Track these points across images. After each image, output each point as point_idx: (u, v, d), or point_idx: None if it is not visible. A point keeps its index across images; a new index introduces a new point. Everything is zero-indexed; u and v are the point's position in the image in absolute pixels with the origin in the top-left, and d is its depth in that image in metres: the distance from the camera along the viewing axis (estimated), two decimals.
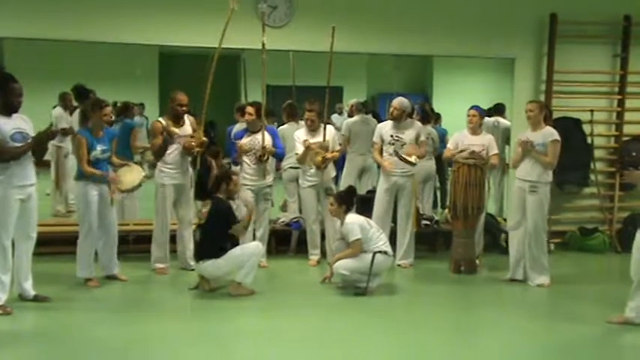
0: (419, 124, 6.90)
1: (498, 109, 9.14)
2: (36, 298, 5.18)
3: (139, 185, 5.87)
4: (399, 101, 6.65)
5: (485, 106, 10.62)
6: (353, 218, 5.74)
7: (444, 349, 4.52)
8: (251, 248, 5.60)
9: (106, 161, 5.71)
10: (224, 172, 5.92)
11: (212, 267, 5.48)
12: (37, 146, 5.04)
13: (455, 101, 13.51)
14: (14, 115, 4.91)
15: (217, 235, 5.51)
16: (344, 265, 5.63)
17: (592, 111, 7.72)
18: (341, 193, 6.03)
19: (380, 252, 5.64)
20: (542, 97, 7.56)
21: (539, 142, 5.89)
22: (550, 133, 5.91)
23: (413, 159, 6.45)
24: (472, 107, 6.68)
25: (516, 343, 4.69)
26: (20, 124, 4.93)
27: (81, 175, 5.63)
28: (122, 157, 6.23)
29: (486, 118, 9.82)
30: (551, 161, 5.90)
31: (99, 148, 5.60)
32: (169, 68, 14.82)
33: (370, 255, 5.60)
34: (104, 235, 5.78)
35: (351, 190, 6.13)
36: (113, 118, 6.06)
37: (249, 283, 5.49)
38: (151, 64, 14.81)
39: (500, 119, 8.81)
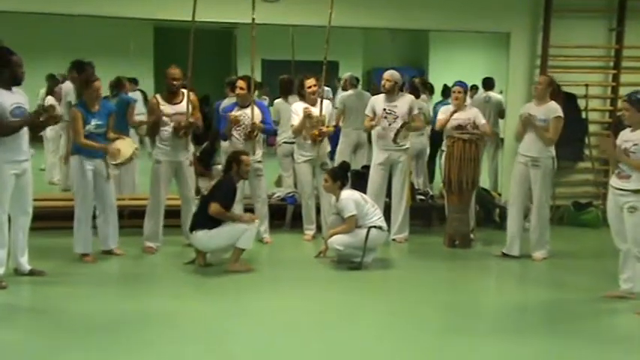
0: (411, 96, 6.89)
1: (488, 84, 9.14)
2: (31, 273, 5.22)
3: (131, 159, 5.87)
4: (390, 73, 6.64)
5: (477, 81, 10.64)
6: (348, 194, 5.76)
7: (436, 322, 4.58)
8: (243, 225, 5.53)
9: (101, 136, 5.69)
10: (234, 152, 5.88)
11: (204, 237, 5.48)
12: (37, 126, 5.07)
13: (451, 75, 13.52)
14: (14, 89, 4.89)
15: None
16: (338, 241, 5.67)
17: (587, 85, 7.71)
18: (335, 169, 6.04)
19: (374, 227, 5.68)
20: (536, 72, 7.56)
21: (542, 118, 5.90)
22: (554, 109, 5.92)
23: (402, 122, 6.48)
24: (456, 83, 6.72)
25: (510, 316, 4.75)
26: (19, 99, 4.92)
27: (76, 150, 5.63)
28: (118, 132, 6.22)
29: (478, 93, 9.87)
30: (552, 137, 5.91)
31: (93, 122, 5.59)
32: (165, 43, 14.72)
33: (365, 230, 5.64)
34: (102, 210, 5.80)
35: (344, 165, 6.15)
36: (102, 93, 6.00)
37: (248, 249, 5.53)
38: (145, 38, 14.70)
39: (492, 94, 8.82)
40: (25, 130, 4.97)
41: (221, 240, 5.49)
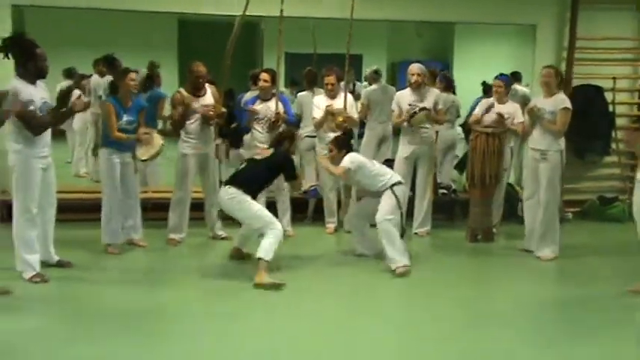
0: (437, 91, 6.85)
1: (515, 77, 9.02)
2: (59, 264, 5.31)
3: (158, 154, 5.93)
4: (418, 67, 6.58)
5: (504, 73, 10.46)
6: (351, 155, 5.64)
7: (452, 315, 4.58)
8: (271, 220, 5.20)
9: (131, 132, 5.72)
10: (288, 130, 5.83)
11: (233, 197, 5.17)
12: (64, 118, 5.16)
13: (475, 69, 13.41)
14: (38, 83, 4.93)
15: (262, 175, 5.39)
16: (383, 213, 5.45)
17: (614, 78, 7.60)
18: (338, 138, 5.80)
19: (395, 184, 5.59)
20: (563, 65, 7.47)
21: (550, 110, 5.81)
22: (561, 100, 5.79)
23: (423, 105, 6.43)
24: (497, 77, 6.62)
25: (529, 311, 4.73)
26: (44, 94, 4.98)
27: (107, 143, 5.71)
28: (147, 126, 6.29)
29: None
30: (560, 129, 5.78)
31: (125, 118, 5.65)
32: (189, 36, 14.82)
33: (390, 192, 5.53)
34: (127, 202, 5.87)
35: (348, 133, 6.01)
36: (138, 85, 6.02)
37: (269, 262, 5.04)
38: (170, 32, 14.82)
39: (518, 87, 8.71)
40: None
41: (243, 214, 5.23)
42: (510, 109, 6.44)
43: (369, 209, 5.70)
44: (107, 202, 5.74)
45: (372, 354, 3.89)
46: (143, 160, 5.89)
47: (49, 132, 5.06)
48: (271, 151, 5.53)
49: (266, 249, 5.02)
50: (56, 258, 5.31)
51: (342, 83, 6.72)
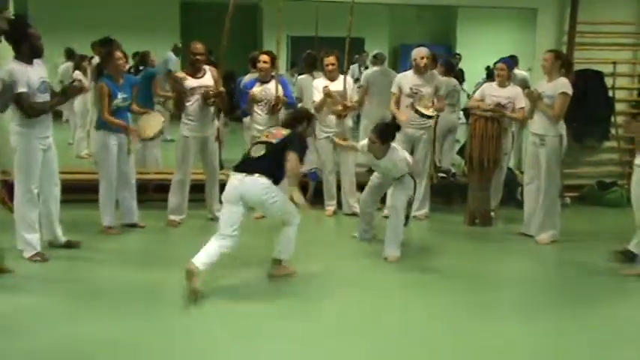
0: (439, 76, 6.85)
1: (513, 61, 9.01)
2: (68, 244, 5.35)
3: (160, 132, 5.96)
4: (427, 51, 6.55)
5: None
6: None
7: (448, 297, 4.64)
8: (292, 215, 4.79)
9: (127, 109, 5.79)
10: (307, 111, 5.36)
11: (266, 188, 4.55)
12: (58, 103, 5.18)
13: (478, 52, 13.40)
14: (35, 62, 4.94)
15: (283, 160, 4.56)
16: (401, 200, 5.48)
17: (614, 63, 7.59)
18: (383, 128, 5.45)
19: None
20: (564, 49, 7.44)
21: (549, 94, 5.80)
22: (561, 85, 5.77)
23: (430, 112, 6.41)
24: (500, 60, 6.62)
25: (524, 295, 4.79)
26: (42, 73, 4.99)
27: (101, 125, 5.74)
28: (143, 106, 6.32)
29: None
30: (556, 113, 5.75)
31: (120, 96, 5.68)
32: (191, 18, 14.81)
33: (408, 178, 5.52)
34: (124, 184, 5.92)
35: (393, 124, 5.73)
36: (126, 64, 6.05)
37: (287, 260, 4.90)
38: (172, 14, 14.81)
39: (516, 71, 8.70)
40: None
41: (274, 207, 4.66)
42: (512, 93, 6.43)
43: (383, 191, 5.82)
44: (104, 184, 5.78)
45: (371, 337, 3.95)
46: (144, 139, 5.92)
47: (49, 114, 5.09)
48: (285, 131, 4.80)
49: (290, 249, 4.84)
50: (64, 239, 5.36)
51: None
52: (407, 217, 5.52)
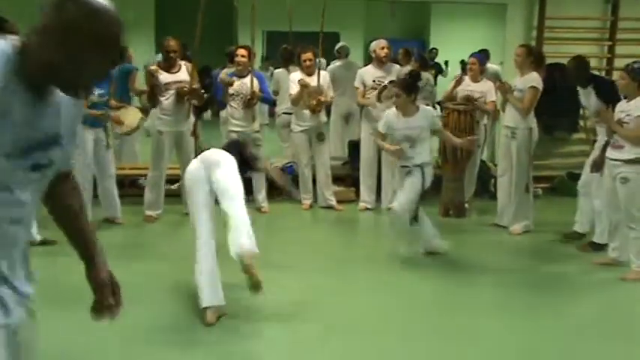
0: (398, 66, 6.95)
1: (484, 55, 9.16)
2: (44, 242, 5.35)
3: (138, 127, 5.97)
4: (385, 42, 6.69)
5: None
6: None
7: (419, 290, 4.74)
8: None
9: (104, 104, 5.79)
10: (244, 144, 4.53)
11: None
12: None
13: (451, 46, 13.55)
14: None
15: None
16: (409, 198, 5.12)
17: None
18: (406, 80, 5.24)
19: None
20: (532, 44, 7.60)
21: (520, 88, 5.93)
22: (530, 79, 5.90)
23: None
24: (472, 55, 6.77)
25: (500, 282, 4.91)
26: None
27: None
28: (120, 101, 6.33)
29: None
30: (525, 106, 5.86)
31: (96, 92, 5.68)
32: (166, 12, 14.73)
33: (419, 171, 5.21)
34: (102, 179, 5.93)
35: (414, 74, 5.56)
36: None
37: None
38: (146, 9, 14.70)
39: (488, 64, 8.85)
40: None
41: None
42: (484, 87, 6.57)
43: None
44: (80, 179, 5.76)
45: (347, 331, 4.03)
46: (121, 134, 5.93)
47: None
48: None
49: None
50: (39, 237, 5.35)
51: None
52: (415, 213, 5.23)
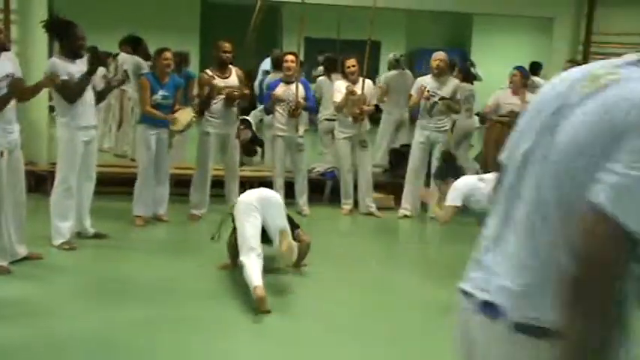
0: (457, 80, 7.00)
1: (534, 69, 9.18)
2: (96, 235, 5.55)
3: (190, 125, 6.17)
4: (442, 54, 6.72)
5: (522, 64, 10.55)
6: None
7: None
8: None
9: (168, 108, 5.96)
10: None
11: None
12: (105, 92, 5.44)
13: (493, 58, 13.54)
14: (79, 61, 5.14)
15: None
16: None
17: None
18: (440, 169, 5.17)
19: None
20: (579, 58, 7.60)
21: None
22: None
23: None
24: (515, 67, 6.80)
25: None
26: (84, 68, 5.16)
27: (142, 119, 5.96)
28: (181, 105, 6.50)
29: None
30: None
31: (160, 93, 5.87)
32: (211, 19, 15.01)
33: None
34: (157, 177, 6.10)
35: (448, 158, 5.52)
36: (172, 63, 6.11)
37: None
38: (192, 14, 15.01)
39: (536, 78, 8.84)
40: (91, 97, 5.26)
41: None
42: (526, 101, 6.58)
43: None
44: (141, 176, 5.97)
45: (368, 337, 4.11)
46: (179, 132, 6.13)
47: (92, 105, 5.29)
48: None
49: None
50: (92, 230, 5.54)
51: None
52: None
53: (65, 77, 5.00)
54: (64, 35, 5.11)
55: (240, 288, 4.43)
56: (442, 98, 6.56)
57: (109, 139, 9.48)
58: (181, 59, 7.95)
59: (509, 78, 6.80)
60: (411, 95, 6.83)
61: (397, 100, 7.66)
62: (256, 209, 4.45)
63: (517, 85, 6.64)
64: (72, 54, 5.11)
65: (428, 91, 6.61)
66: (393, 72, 8.09)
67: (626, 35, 7.70)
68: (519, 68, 6.78)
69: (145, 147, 5.93)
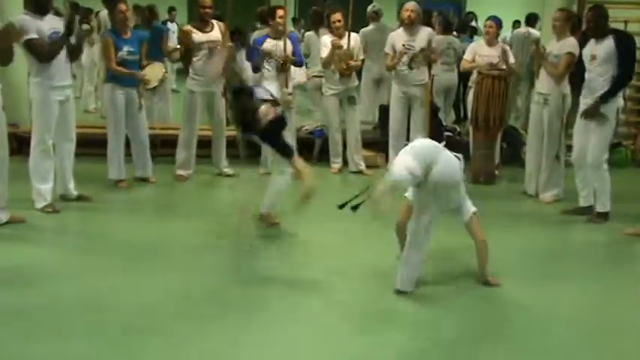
0: (430, 30, 6.79)
1: (530, 20, 8.98)
2: (79, 198, 5.45)
3: (162, 81, 6.03)
4: (412, 4, 6.53)
5: (518, 16, 10.41)
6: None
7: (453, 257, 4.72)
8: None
9: (135, 63, 5.81)
10: None
11: None
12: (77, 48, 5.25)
13: (488, 11, 13.24)
14: (48, 17, 4.97)
15: None
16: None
17: (626, 22, 7.54)
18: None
19: None
20: (574, 7, 7.39)
21: (555, 53, 5.77)
22: (568, 45, 5.72)
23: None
24: (489, 18, 6.65)
25: (526, 250, 4.86)
26: (55, 24, 5.00)
27: (109, 78, 5.79)
28: (153, 61, 6.35)
29: (517, 29, 9.75)
30: (559, 72, 5.71)
31: (125, 48, 5.71)
32: None
33: None
34: (134, 139, 5.99)
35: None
36: (130, 18, 5.98)
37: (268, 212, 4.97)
38: None
39: (531, 30, 8.67)
40: (65, 55, 5.08)
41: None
42: (500, 52, 6.45)
43: None
44: (112, 138, 5.85)
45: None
46: (151, 89, 5.99)
47: (67, 63, 5.12)
48: None
49: (272, 201, 4.97)
50: (75, 192, 5.45)
51: None
52: None
53: (35, 35, 4.82)
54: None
55: (227, 251, 4.39)
56: (421, 50, 6.41)
57: (95, 99, 9.31)
58: (150, 13, 7.75)
59: (485, 29, 6.64)
60: (387, 54, 6.63)
61: (376, 55, 7.42)
62: None
63: (492, 37, 6.49)
64: (39, 9, 4.90)
65: (403, 45, 6.44)
66: (371, 26, 7.85)
67: None
68: (493, 19, 6.59)
69: (113, 106, 5.77)
